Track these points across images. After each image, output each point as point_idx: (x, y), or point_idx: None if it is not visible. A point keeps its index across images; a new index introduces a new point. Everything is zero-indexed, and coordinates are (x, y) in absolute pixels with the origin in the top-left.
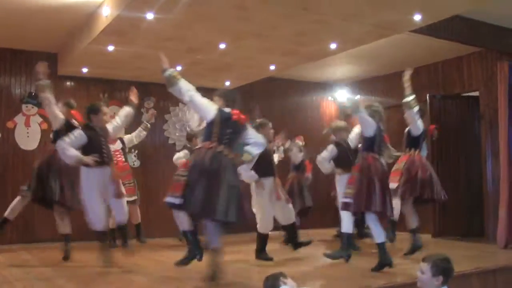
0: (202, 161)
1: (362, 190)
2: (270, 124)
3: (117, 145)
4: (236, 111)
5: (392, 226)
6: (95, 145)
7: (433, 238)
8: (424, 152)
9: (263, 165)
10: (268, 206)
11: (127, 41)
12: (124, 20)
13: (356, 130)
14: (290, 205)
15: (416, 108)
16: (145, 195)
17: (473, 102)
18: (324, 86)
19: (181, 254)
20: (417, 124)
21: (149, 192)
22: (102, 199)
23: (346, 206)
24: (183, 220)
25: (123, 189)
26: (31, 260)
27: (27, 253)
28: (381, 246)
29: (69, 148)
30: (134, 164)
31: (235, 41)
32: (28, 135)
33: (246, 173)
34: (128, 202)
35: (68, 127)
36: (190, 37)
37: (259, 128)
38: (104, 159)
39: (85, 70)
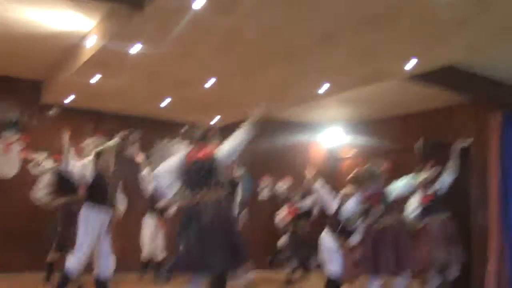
0: None
1: None
2: None
3: None
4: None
5: None
6: (101, 183)
7: None
8: None
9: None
10: None
11: (112, 73)
12: (109, 52)
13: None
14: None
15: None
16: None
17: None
18: (314, 127)
19: None
20: None
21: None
22: (94, 243)
23: None
24: None
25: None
26: None
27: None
28: None
29: None
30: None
31: (222, 78)
32: (6, 162)
33: None
34: None
35: None
36: (177, 72)
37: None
38: (106, 198)
39: (69, 99)
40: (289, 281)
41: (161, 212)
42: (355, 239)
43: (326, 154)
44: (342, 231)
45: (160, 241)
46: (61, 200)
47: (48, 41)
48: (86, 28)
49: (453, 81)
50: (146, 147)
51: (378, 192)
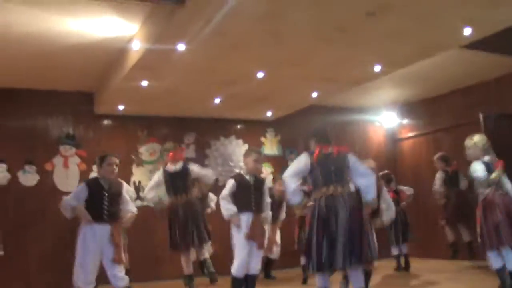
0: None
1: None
2: (255, 155)
3: None
4: (334, 147)
5: None
6: (95, 200)
7: None
8: None
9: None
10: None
11: (160, 75)
12: (155, 54)
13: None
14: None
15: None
16: None
17: None
18: (370, 110)
19: None
20: None
21: None
22: (96, 259)
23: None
24: None
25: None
26: None
27: None
28: None
29: (68, 202)
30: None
31: (272, 69)
32: (67, 176)
33: None
34: None
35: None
36: (225, 68)
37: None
38: (103, 216)
39: (121, 107)
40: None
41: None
42: None
43: (384, 135)
44: None
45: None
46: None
47: (94, 50)
48: (129, 32)
49: None
50: (201, 147)
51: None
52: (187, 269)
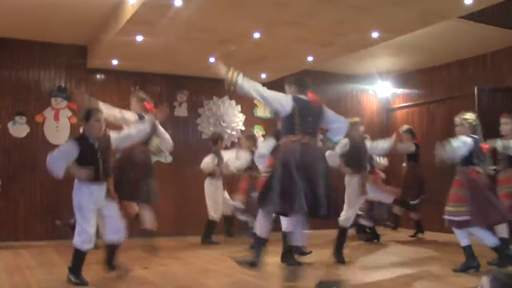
0: (293, 157)
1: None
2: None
3: None
4: (312, 96)
5: None
6: (88, 160)
7: None
8: None
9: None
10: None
11: (155, 31)
12: (151, 8)
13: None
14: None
15: None
16: (177, 191)
17: None
18: (365, 79)
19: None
20: None
21: (181, 188)
22: (94, 217)
23: (462, 225)
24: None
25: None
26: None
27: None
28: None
29: (55, 162)
30: (166, 160)
31: (269, 30)
32: (57, 129)
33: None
34: None
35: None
36: (222, 26)
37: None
38: (99, 176)
39: (115, 62)
40: None
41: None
42: None
43: (377, 105)
44: None
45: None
46: None
47: (89, 1)
48: None
49: None
50: (194, 106)
51: None
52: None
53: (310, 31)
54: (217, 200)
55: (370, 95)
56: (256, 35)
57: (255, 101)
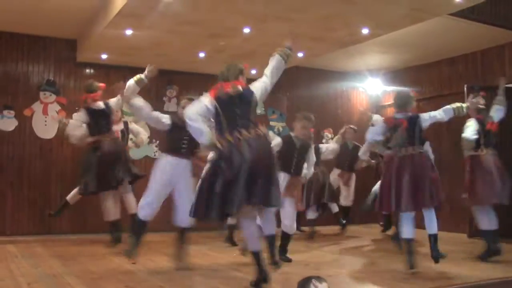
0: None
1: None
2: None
3: (119, 126)
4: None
5: None
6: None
7: (469, 238)
8: None
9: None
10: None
11: (145, 24)
12: (140, 1)
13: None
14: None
15: None
16: None
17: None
18: (355, 76)
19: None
20: None
21: None
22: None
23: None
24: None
25: None
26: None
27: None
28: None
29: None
30: (155, 155)
31: (259, 25)
32: (45, 123)
33: None
34: None
35: None
36: (212, 21)
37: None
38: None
39: (104, 56)
40: None
41: None
42: None
43: (368, 102)
44: None
45: None
46: None
47: None
48: None
49: (506, 15)
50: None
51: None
52: None
53: (300, 26)
54: None
55: (360, 92)
56: (246, 30)
57: None
